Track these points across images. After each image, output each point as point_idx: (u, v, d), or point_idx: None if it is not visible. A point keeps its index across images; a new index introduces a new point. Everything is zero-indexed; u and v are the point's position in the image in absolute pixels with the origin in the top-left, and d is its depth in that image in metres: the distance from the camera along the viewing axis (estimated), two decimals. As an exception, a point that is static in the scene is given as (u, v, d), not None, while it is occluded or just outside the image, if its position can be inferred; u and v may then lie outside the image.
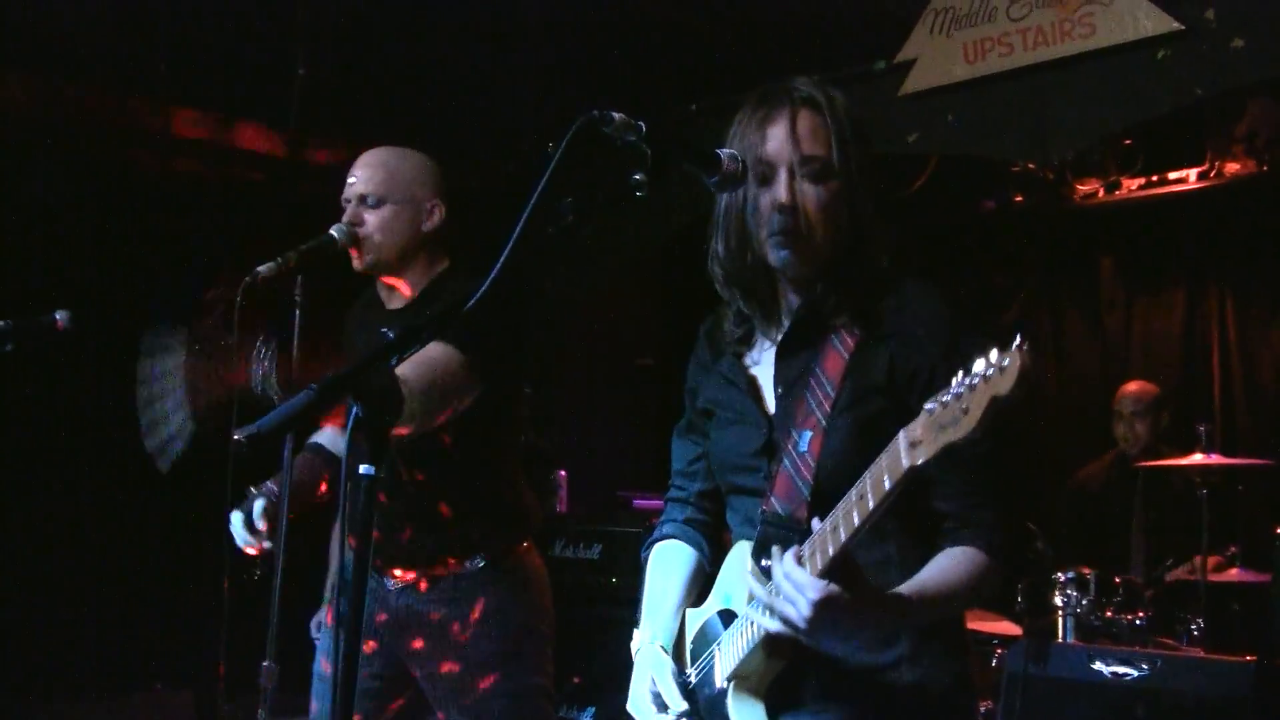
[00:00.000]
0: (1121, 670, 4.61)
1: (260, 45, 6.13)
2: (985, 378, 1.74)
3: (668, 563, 2.59)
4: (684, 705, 2.34)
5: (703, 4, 5.98)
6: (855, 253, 2.35)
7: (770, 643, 2.17)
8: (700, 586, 2.54)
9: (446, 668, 3.40)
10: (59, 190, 6.34)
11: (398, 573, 3.44)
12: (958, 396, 1.77)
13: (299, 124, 6.91)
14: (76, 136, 6.47)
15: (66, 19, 5.83)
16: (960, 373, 1.78)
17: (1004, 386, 1.71)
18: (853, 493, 1.97)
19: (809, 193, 2.34)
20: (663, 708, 2.37)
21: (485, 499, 3.44)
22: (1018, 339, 1.72)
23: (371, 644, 3.46)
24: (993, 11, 5.62)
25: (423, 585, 3.43)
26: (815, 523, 2.04)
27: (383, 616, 3.47)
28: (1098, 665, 4.67)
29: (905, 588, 2.14)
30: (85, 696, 6.09)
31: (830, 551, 1.99)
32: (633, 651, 2.50)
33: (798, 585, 1.99)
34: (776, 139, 2.35)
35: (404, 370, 3.03)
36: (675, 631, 2.49)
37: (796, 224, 2.31)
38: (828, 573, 1.99)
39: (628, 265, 7.42)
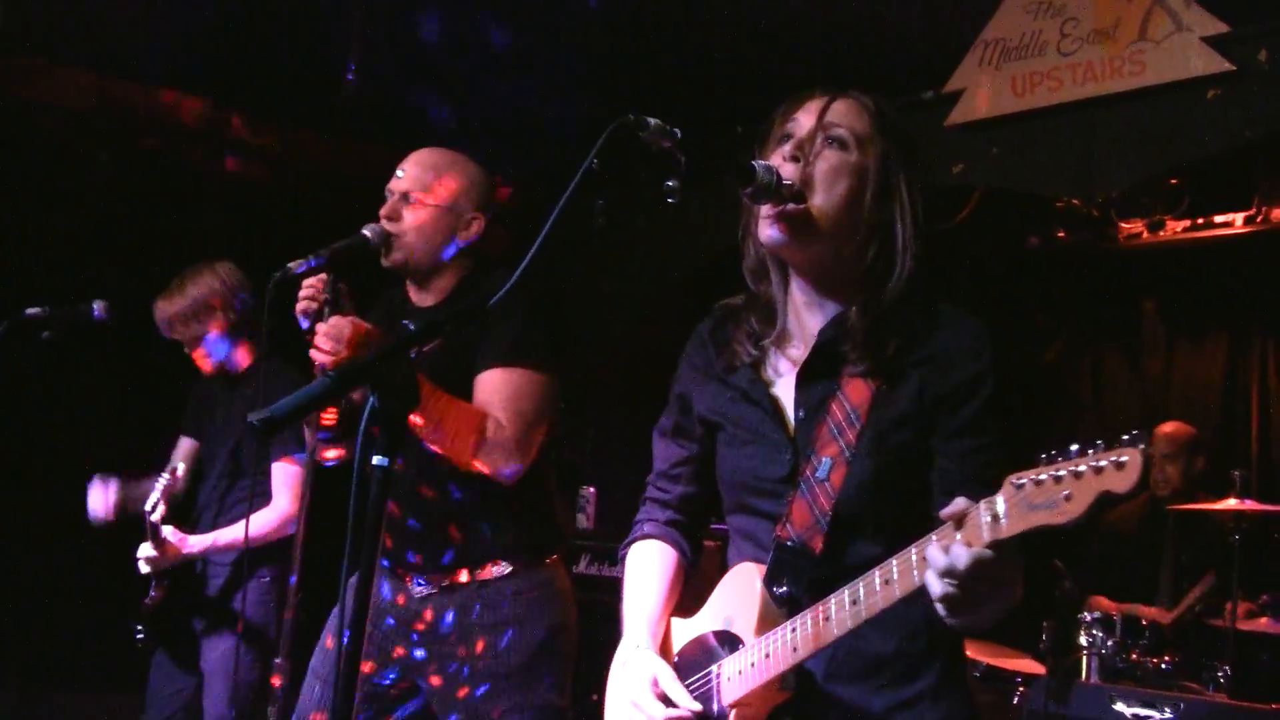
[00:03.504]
0: (1144, 712, 4.54)
1: (310, 50, 6.18)
2: (1098, 469, 1.66)
3: (650, 564, 2.48)
4: (698, 706, 2.19)
5: (750, 29, 5.98)
6: (884, 264, 2.18)
7: (784, 677, 2.09)
8: (681, 589, 2.45)
9: (460, 678, 3.27)
10: (106, 185, 6.43)
11: (422, 579, 3.34)
12: (1058, 480, 1.68)
13: (346, 128, 6.98)
14: (124, 134, 6.55)
15: (117, 19, 5.90)
16: (1060, 458, 1.70)
17: (1120, 484, 1.64)
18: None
19: (826, 156, 2.20)
20: (655, 711, 2.21)
21: (519, 506, 3.32)
22: (1136, 435, 1.65)
23: (400, 650, 3.36)
24: (1043, 46, 5.59)
25: (446, 592, 3.31)
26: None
27: (399, 624, 3.36)
28: (1120, 706, 4.60)
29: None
30: (87, 690, 6.09)
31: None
32: (618, 660, 2.37)
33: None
34: (807, 112, 2.23)
35: (496, 415, 3.12)
36: (660, 638, 2.37)
37: (800, 186, 2.16)
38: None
39: (663, 285, 7.40)
